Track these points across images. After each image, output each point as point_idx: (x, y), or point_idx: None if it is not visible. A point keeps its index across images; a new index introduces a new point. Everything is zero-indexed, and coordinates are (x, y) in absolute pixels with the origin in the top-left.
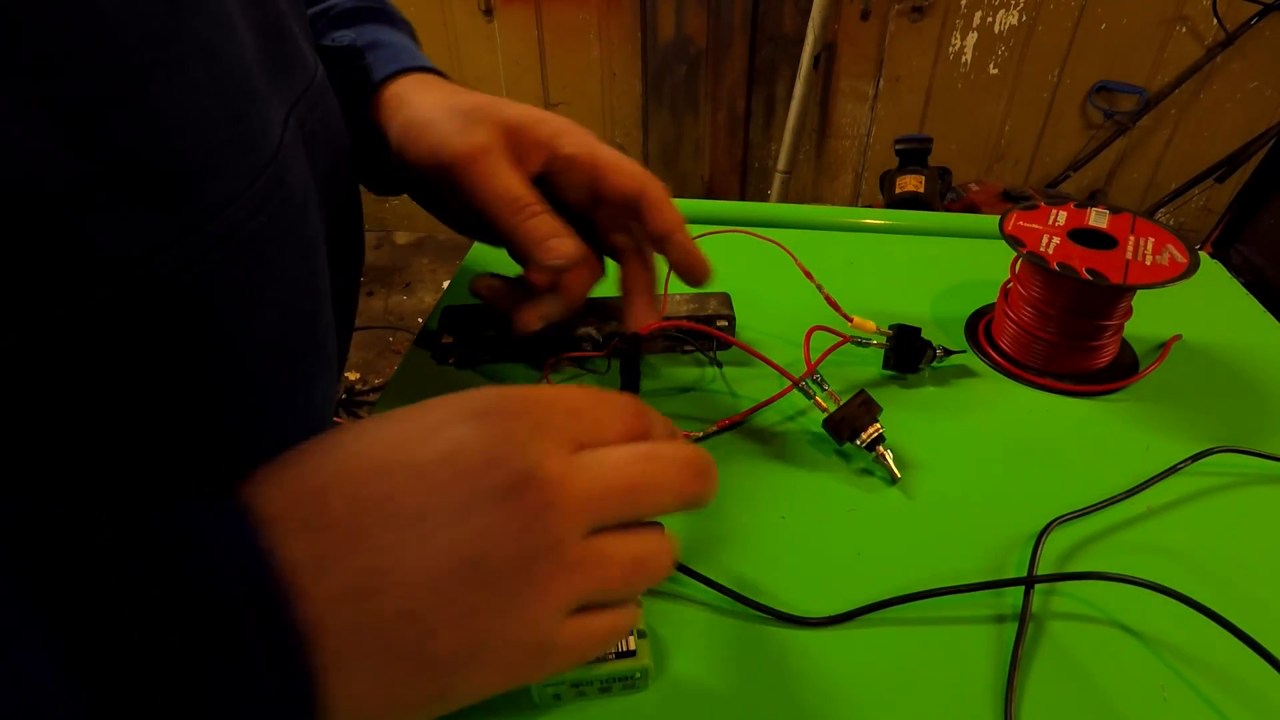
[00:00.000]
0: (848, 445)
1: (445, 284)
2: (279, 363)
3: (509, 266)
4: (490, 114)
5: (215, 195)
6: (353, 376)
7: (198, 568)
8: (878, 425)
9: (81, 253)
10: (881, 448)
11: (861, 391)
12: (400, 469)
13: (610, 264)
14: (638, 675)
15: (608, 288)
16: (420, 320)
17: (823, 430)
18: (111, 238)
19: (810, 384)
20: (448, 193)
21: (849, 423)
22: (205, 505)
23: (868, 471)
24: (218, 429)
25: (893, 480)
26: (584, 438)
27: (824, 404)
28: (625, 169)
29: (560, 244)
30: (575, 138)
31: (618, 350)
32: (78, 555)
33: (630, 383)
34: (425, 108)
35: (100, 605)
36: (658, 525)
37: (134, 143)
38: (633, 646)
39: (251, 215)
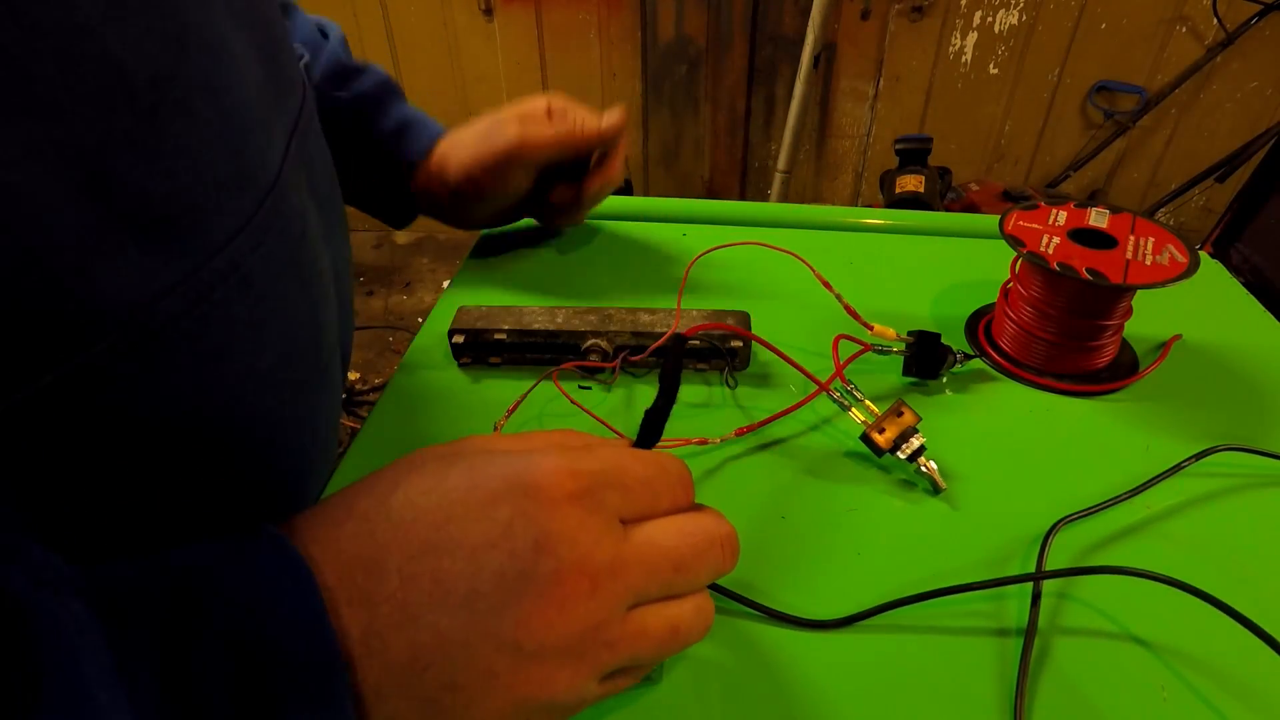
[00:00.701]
0: (885, 457)
1: (445, 284)
2: (286, 393)
3: (504, 270)
4: (505, 118)
5: (218, 232)
6: (353, 376)
7: (266, 634)
8: (920, 436)
9: (87, 301)
10: (924, 459)
11: (899, 401)
12: (451, 548)
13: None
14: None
15: (620, 298)
16: (420, 320)
17: (836, 438)
18: (118, 283)
19: (844, 394)
20: (496, 182)
21: (889, 434)
22: (268, 563)
23: (863, 472)
24: (228, 462)
25: (936, 491)
26: (636, 513)
27: (860, 416)
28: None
29: (612, 117)
30: (574, 111)
31: (655, 348)
32: (149, 616)
33: (669, 392)
34: (455, 153)
35: (175, 666)
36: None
37: (141, 185)
38: None
39: (253, 248)
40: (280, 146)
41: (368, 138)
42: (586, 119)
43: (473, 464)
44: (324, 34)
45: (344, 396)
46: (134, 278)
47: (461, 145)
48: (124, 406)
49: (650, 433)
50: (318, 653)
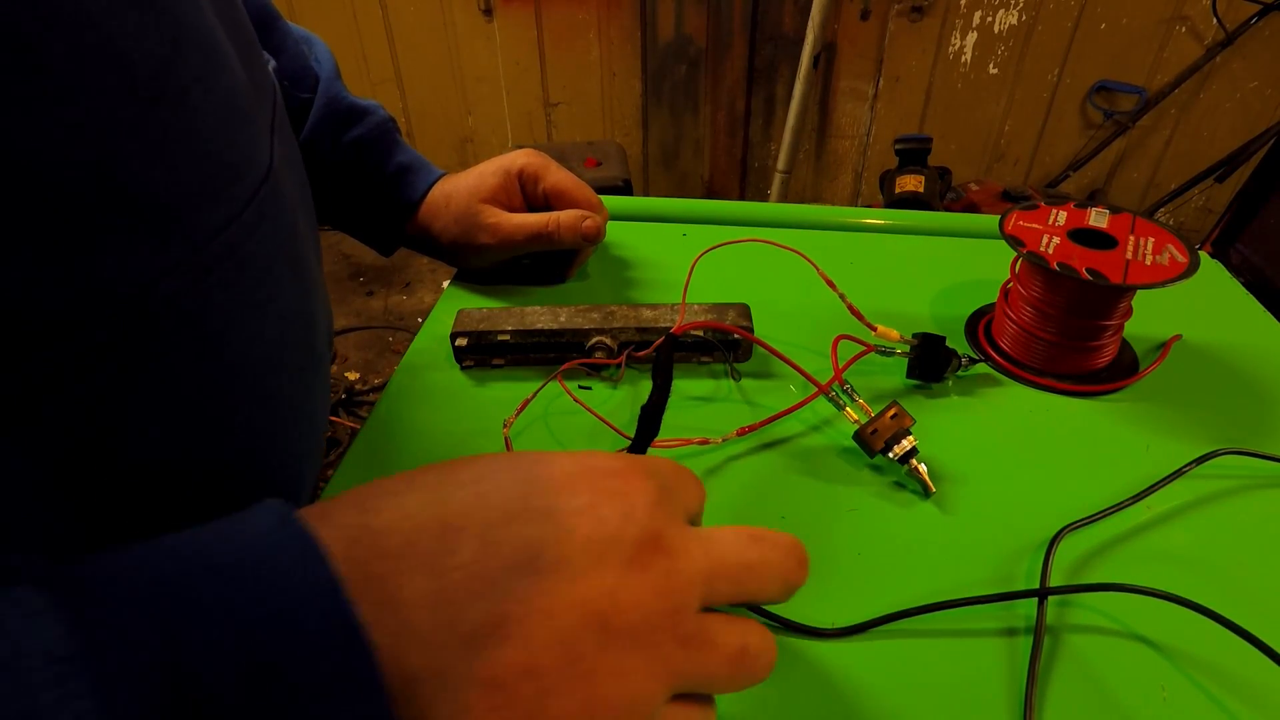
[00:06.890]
0: (878, 458)
1: (445, 284)
2: (283, 377)
3: (503, 271)
4: (485, 216)
5: (215, 217)
6: (352, 376)
7: (269, 605)
8: (911, 438)
9: (92, 279)
10: (915, 461)
11: (894, 403)
12: (538, 516)
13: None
14: None
15: (619, 298)
16: (420, 320)
17: (834, 439)
18: (121, 263)
19: (840, 394)
20: (476, 258)
21: (881, 435)
22: (268, 533)
23: (858, 473)
24: (230, 444)
25: (927, 494)
26: (693, 515)
27: (854, 415)
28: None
29: (593, 223)
30: (549, 178)
31: (654, 349)
32: (130, 598)
33: (662, 389)
34: (446, 223)
35: (162, 646)
36: (755, 621)
37: (145, 170)
38: None
39: (249, 233)
40: (266, 140)
41: (366, 180)
42: (564, 223)
43: (535, 455)
44: (311, 50)
45: (344, 396)
46: (136, 259)
47: (447, 210)
48: (127, 387)
49: (647, 429)
50: (332, 628)
